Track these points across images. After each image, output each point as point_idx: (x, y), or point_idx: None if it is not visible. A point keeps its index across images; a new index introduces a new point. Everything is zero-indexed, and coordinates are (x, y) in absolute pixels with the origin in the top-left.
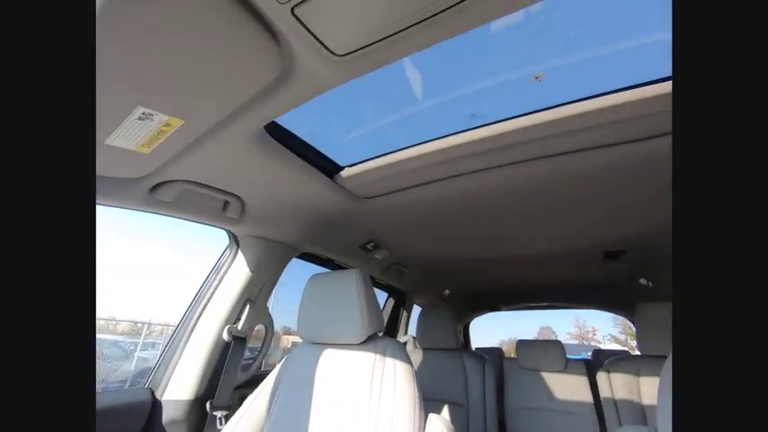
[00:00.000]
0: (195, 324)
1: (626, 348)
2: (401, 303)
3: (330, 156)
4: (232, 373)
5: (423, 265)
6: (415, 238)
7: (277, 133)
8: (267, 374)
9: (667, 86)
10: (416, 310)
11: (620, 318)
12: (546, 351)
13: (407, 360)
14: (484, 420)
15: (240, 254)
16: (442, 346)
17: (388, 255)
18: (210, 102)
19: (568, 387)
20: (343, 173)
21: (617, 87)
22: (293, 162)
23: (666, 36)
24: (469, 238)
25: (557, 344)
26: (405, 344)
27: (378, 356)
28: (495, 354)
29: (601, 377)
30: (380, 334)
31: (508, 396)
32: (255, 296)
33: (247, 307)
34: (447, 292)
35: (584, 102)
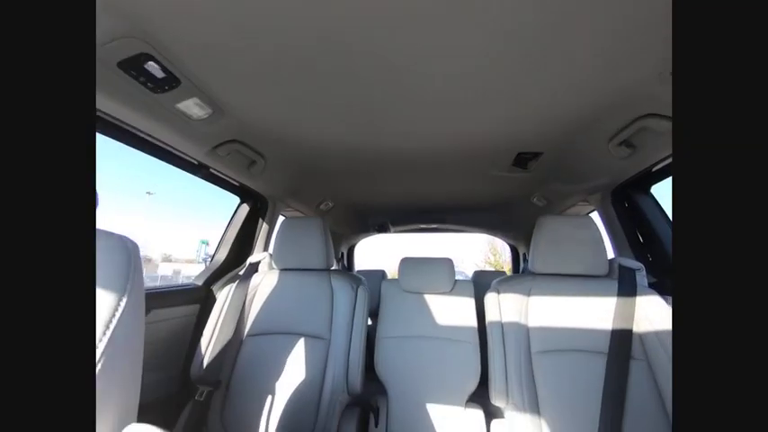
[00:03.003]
0: None
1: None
2: (260, 212)
3: None
4: None
5: (286, 155)
6: (260, 86)
7: None
8: None
9: None
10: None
11: (483, 250)
12: (434, 270)
13: None
14: (347, 354)
15: None
16: (306, 266)
17: (215, 117)
18: None
19: (453, 311)
20: None
21: None
22: None
23: None
24: (352, 112)
25: (446, 261)
26: (258, 263)
27: None
28: (376, 276)
29: (489, 298)
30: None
31: (382, 324)
32: None
33: None
34: (329, 204)
35: None
